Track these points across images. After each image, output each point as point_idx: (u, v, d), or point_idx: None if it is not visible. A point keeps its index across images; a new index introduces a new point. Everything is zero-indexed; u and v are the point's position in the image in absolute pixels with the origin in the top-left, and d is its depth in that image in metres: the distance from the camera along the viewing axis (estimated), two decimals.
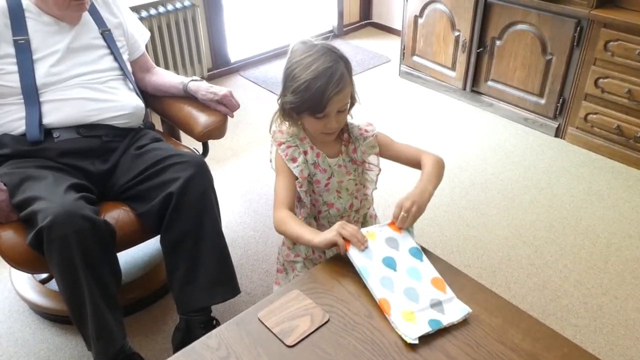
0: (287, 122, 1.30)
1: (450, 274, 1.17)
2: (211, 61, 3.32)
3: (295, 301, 1.12)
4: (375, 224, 1.34)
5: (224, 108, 1.66)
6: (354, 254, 1.14)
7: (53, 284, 1.81)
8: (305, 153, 1.30)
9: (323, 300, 1.14)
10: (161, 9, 2.84)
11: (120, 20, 1.70)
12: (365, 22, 4.12)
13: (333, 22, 3.93)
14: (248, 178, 2.47)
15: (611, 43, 2.33)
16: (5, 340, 1.69)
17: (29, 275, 1.84)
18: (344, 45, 3.82)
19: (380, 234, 1.19)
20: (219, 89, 1.66)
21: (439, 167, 1.29)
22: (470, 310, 1.07)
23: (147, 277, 1.85)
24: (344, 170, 1.34)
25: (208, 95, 1.65)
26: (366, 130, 1.34)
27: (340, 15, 3.89)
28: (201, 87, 1.67)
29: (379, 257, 1.16)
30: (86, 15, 1.62)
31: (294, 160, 1.28)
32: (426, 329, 1.02)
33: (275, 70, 3.48)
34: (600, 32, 2.34)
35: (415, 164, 1.34)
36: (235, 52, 3.46)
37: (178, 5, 2.90)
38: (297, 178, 1.28)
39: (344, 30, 3.99)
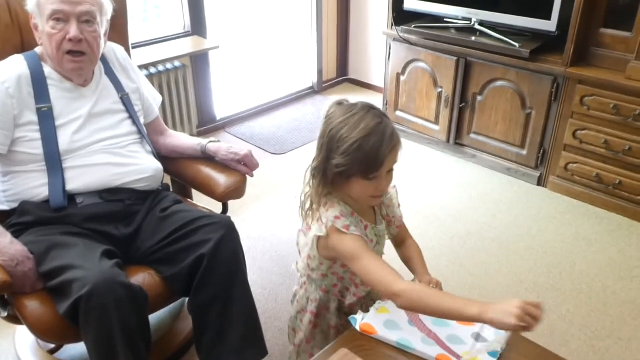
0: (327, 204, 1.22)
1: None
2: (197, 119, 3.36)
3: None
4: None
5: (244, 168, 1.70)
6: (383, 334, 1.17)
7: (62, 354, 1.74)
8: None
9: (372, 358, 1.16)
10: (152, 70, 2.88)
11: (137, 85, 1.73)
12: (342, 78, 4.28)
13: (313, 78, 4.06)
14: (248, 235, 2.47)
15: (587, 98, 2.51)
16: None
17: (35, 344, 1.76)
18: (324, 101, 3.94)
19: (388, 304, 1.25)
20: (239, 149, 1.70)
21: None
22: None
23: (161, 342, 1.80)
24: (385, 233, 1.35)
25: (229, 156, 1.69)
26: None
27: (320, 72, 4.03)
28: (221, 148, 1.70)
29: (404, 322, 1.21)
30: (106, 81, 1.65)
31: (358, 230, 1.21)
32: None
33: (261, 127, 3.54)
34: (576, 87, 2.53)
35: (399, 241, 1.43)
36: (220, 110, 3.51)
37: (169, 66, 2.96)
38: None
39: (323, 86, 4.12)
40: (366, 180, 1.17)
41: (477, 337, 1.17)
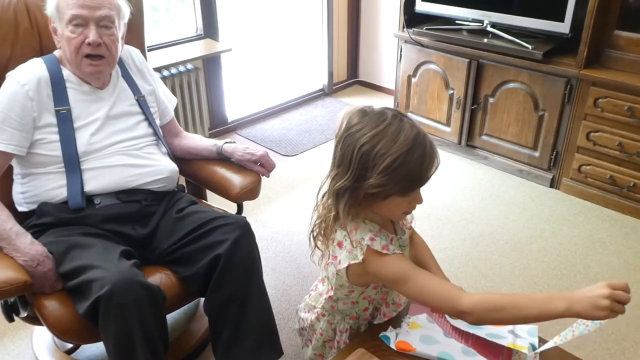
0: (349, 225, 1.10)
1: None
2: (209, 121, 3.38)
3: None
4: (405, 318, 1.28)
5: (261, 168, 1.71)
6: (422, 350, 1.16)
7: (79, 354, 1.76)
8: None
9: (389, 358, 1.16)
10: (165, 72, 2.90)
11: (153, 87, 1.75)
12: (353, 80, 4.28)
13: (323, 81, 4.07)
14: (260, 236, 2.47)
15: (600, 100, 2.50)
16: None
17: (52, 344, 1.78)
18: (335, 103, 3.95)
19: (419, 319, 1.25)
20: (255, 150, 1.71)
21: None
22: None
23: (176, 342, 1.81)
24: (408, 243, 1.26)
25: (245, 156, 1.70)
26: None
27: (330, 75, 4.04)
28: (237, 149, 1.72)
29: (440, 335, 1.20)
30: (122, 83, 1.66)
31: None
32: (547, 345, 1.08)
33: (272, 129, 3.56)
34: (590, 89, 2.51)
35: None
36: (231, 112, 3.53)
37: (181, 68, 2.98)
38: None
39: (333, 88, 4.13)
40: (402, 197, 1.06)
41: (512, 332, 1.19)
